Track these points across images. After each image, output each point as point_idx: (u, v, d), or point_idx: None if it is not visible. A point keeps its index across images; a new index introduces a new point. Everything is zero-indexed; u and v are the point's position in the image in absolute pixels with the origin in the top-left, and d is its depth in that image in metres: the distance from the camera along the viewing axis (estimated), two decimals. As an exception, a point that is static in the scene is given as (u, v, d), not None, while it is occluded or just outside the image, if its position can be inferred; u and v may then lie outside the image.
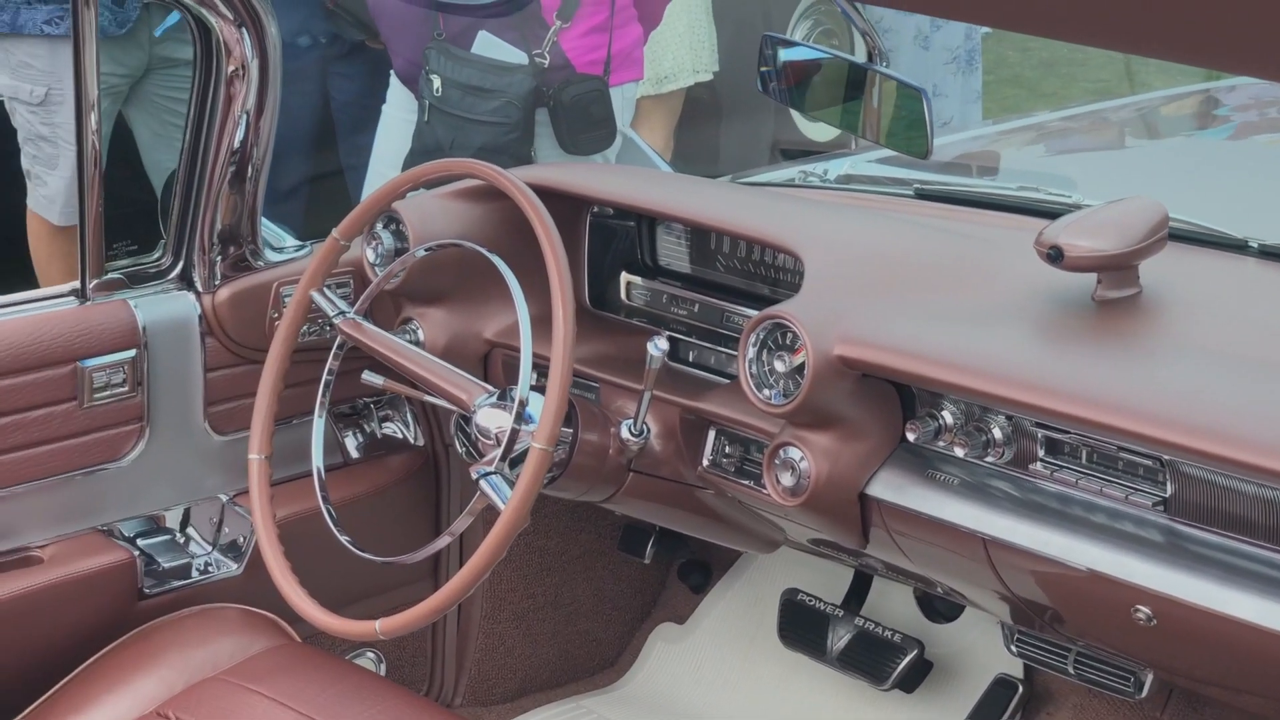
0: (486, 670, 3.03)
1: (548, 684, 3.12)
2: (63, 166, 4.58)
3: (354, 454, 2.81)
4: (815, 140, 6.19)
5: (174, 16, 4.42)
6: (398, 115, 4.02)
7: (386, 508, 2.80)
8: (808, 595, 2.87)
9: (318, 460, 2.47)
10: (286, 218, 2.89)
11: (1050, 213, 2.51)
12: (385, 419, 2.83)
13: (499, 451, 2.23)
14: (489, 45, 3.74)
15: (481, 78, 3.72)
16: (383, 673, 2.89)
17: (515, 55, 3.71)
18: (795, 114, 6.14)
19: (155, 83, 4.59)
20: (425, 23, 3.78)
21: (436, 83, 3.76)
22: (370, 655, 2.87)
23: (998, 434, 2.14)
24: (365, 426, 2.82)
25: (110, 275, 2.59)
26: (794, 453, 2.21)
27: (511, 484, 2.20)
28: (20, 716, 2.35)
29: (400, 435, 2.84)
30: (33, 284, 4.48)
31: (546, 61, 3.72)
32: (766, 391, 2.21)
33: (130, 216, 4.27)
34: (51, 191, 4.62)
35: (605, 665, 3.19)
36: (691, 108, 5.46)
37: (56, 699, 2.38)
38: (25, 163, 4.65)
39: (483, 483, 2.21)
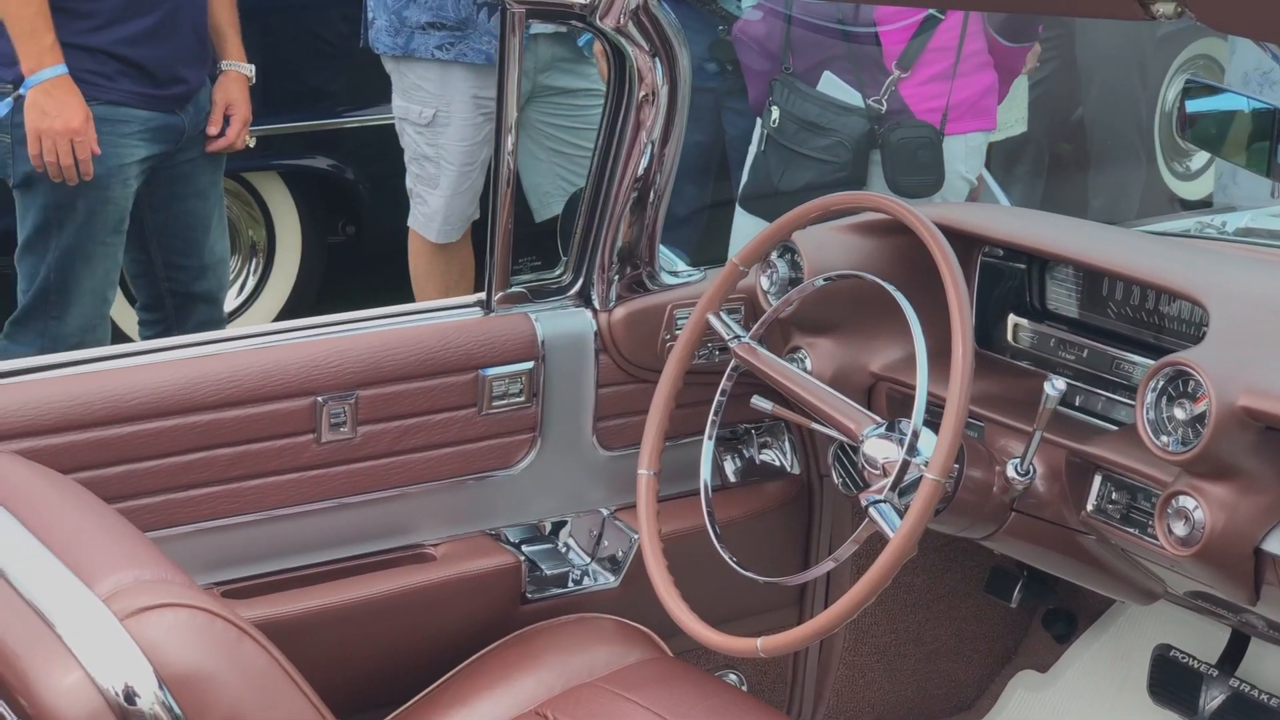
0: (845, 701, 3.05)
1: (902, 719, 3.14)
2: (443, 186, 4.78)
3: (731, 478, 2.87)
4: (1183, 197, 6.08)
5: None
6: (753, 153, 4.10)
7: (759, 532, 2.85)
8: (1180, 652, 2.82)
9: (706, 475, 2.54)
10: (677, 243, 2.97)
11: None
12: (764, 445, 2.89)
13: (888, 481, 2.26)
14: (832, 85, 3.79)
15: (819, 114, 3.77)
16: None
17: (854, 97, 3.76)
18: (1164, 169, 6.06)
19: (536, 109, 4.76)
20: (777, 58, 3.85)
21: (775, 113, 3.82)
22: (733, 676, 2.92)
23: None
24: (744, 452, 2.88)
25: (514, 289, 2.70)
26: (1188, 502, 2.19)
27: (900, 513, 2.23)
28: (410, 703, 2.46)
29: (777, 463, 2.89)
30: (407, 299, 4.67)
31: (884, 108, 3.75)
32: (1164, 439, 2.20)
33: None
34: (431, 210, 4.83)
35: (962, 708, 3.19)
36: (1058, 159, 5.43)
37: (443, 689, 2.49)
38: (409, 181, 4.86)
39: (872, 510, 2.24)
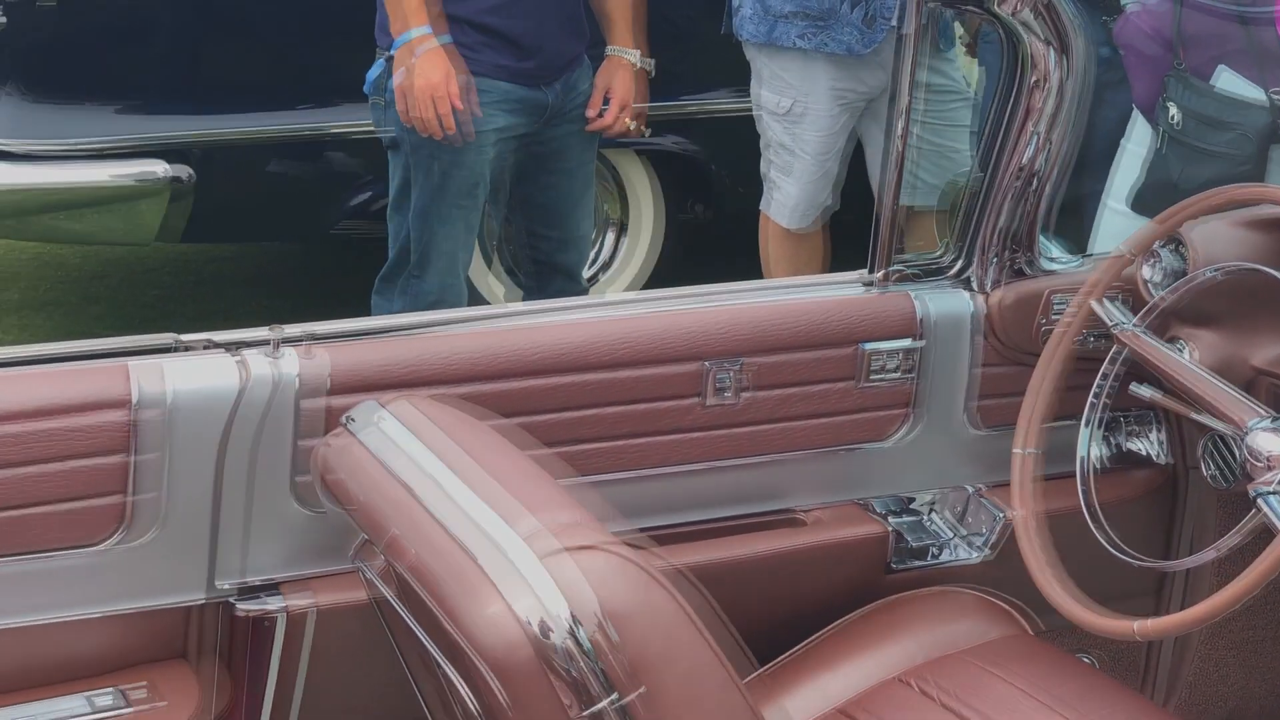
0: (1198, 694, 2.96)
1: (1258, 717, 3.03)
2: (798, 175, 4.76)
3: (1098, 464, 2.81)
4: None
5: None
6: (1131, 150, 3.99)
7: (1124, 519, 2.76)
8: None
9: (1084, 452, 2.50)
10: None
11: None
12: (1132, 434, 2.81)
13: (1278, 474, 2.19)
14: (1228, 80, 3.67)
15: (1219, 109, 3.65)
16: None
17: (1254, 91, 3.63)
18: None
19: (888, 103, 4.71)
20: (1167, 53, 3.74)
21: (1173, 110, 3.72)
22: (1086, 659, 2.86)
23: None
24: (1112, 439, 2.80)
25: (897, 267, 2.69)
26: None
27: (1292, 507, 2.16)
28: (776, 663, 2.48)
29: (1145, 452, 2.81)
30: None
31: None
32: None
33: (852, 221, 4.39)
34: (785, 197, 4.81)
35: None
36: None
37: (810, 651, 2.50)
38: (763, 167, 4.86)
39: (1261, 501, 2.18)
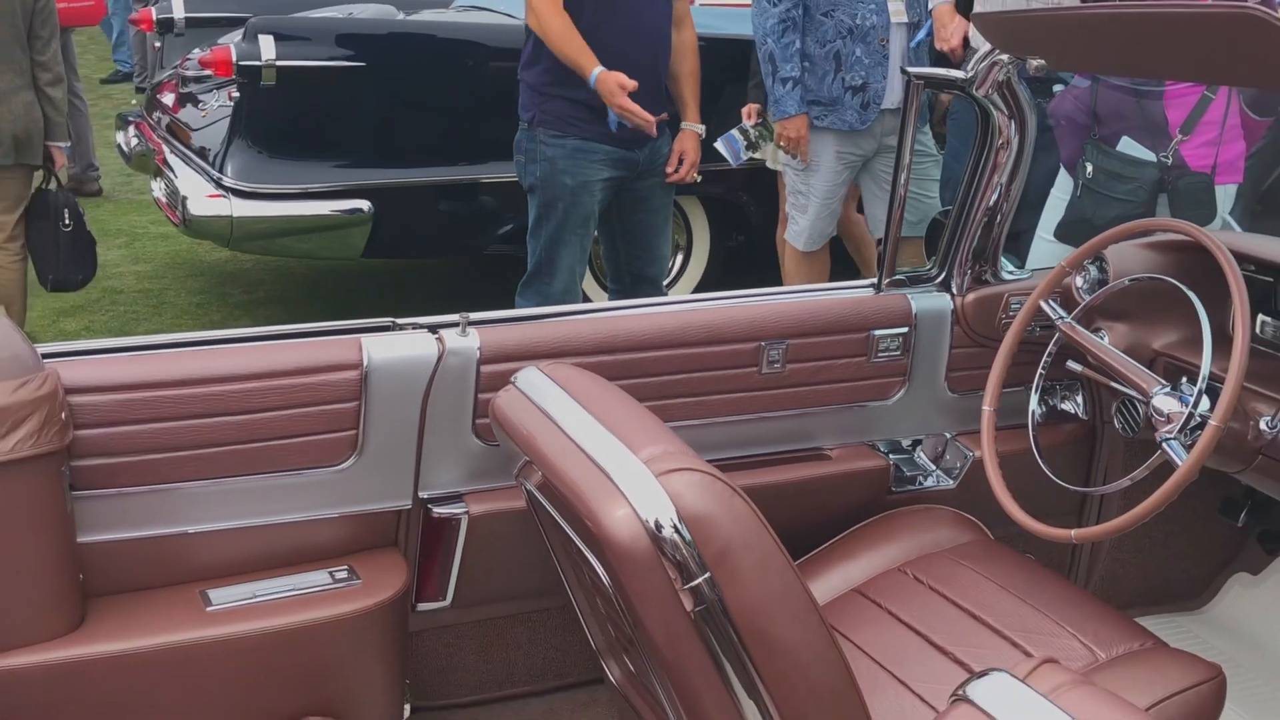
0: (1107, 584, 2.92)
1: (1147, 601, 2.98)
2: (810, 213, 4.71)
3: (1040, 418, 2.76)
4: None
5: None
6: (1057, 195, 3.94)
7: (1057, 458, 2.73)
8: None
9: (1034, 406, 2.46)
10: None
11: None
12: (1064, 398, 2.78)
13: (1175, 425, 2.15)
14: (1128, 146, 3.62)
15: (1121, 168, 3.60)
16: None
17: (1147, 155, 3.58)
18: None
19: (880, 162, 4.66)
20: (1086, 125, 3.69)
21: (1089, 168, 3.67)
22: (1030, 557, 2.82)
23: None
24: (1049, 401, 2.77)
25: (898, 277, 2.65)
26: None
27: (1186, 449, 2.11)
28: (807, 556, 2.45)
29: (1072, 411, 2.78)
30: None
31: (1170, 161, 3.57)
32: None
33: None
34: (799, 229, 4.76)
35: (1192, 595, 3.02)
36: (1256, 212, 5.05)
37: (831, 549, 2.47)
38: (786, 207, 4.81)
39: (1165, 445, 2.14)
